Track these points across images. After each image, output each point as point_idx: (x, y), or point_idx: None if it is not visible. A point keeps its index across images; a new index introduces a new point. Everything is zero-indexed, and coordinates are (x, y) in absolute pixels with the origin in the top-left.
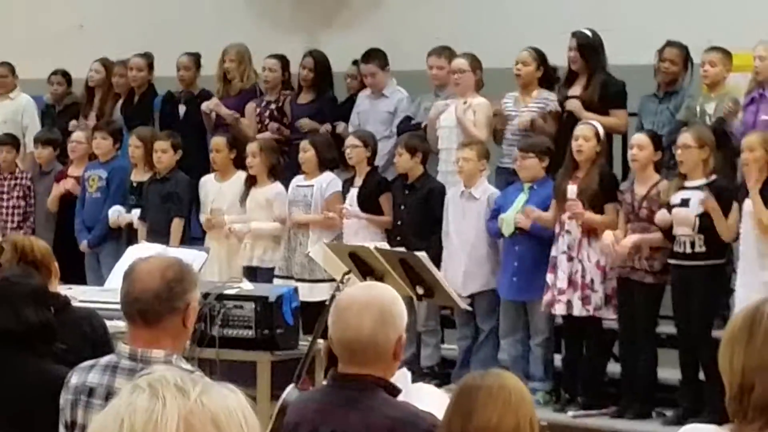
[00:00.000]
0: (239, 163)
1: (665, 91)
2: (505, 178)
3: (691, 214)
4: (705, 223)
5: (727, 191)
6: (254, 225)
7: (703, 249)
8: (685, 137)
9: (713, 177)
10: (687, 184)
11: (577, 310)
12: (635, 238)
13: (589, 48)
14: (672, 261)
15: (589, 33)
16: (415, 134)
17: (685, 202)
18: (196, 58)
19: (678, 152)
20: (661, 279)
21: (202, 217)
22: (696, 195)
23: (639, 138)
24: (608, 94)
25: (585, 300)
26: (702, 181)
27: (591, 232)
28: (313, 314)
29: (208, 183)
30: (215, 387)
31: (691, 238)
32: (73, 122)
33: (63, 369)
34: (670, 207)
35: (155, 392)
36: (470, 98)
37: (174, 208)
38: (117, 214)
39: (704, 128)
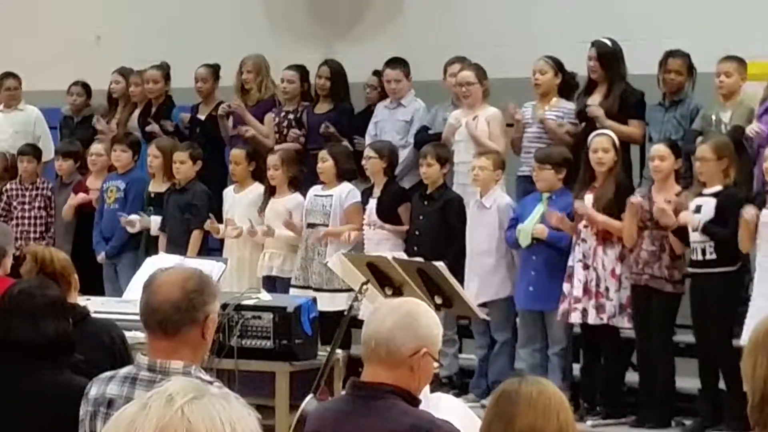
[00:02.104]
0: (258, 174)
1: (671, 100)
2: (524, 187)
3: (696, 219)
4: (710, 228)
5: (735, 199)
6: (278, 232)
7: (714, 256)
8: (703, 149)
9: (725, 186)
10: (705, 191)
11: (592, 319)
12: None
13: (609, 57)
14: (689, 269)
15: (608, 42)
16: (441, 144)
17: (698, 209)
18: (214, 69)
19: (696, 164)
20: (679, 288)
21: (208, 223)
22: (709, 202)
23: (659, 149)
24: (627, 104)
25: (599, 308)
26: (717, 188)
27: (606, 240)
28: (332, 324)
29: (228, 194)
30: (208, 398)
31: (702, 245)
32: (96, 120)
33: (82, 380)
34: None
35: (146, 402)
36: (481, 110)
37: (193, 219)
38: (130, 219)
39: (722, 138)
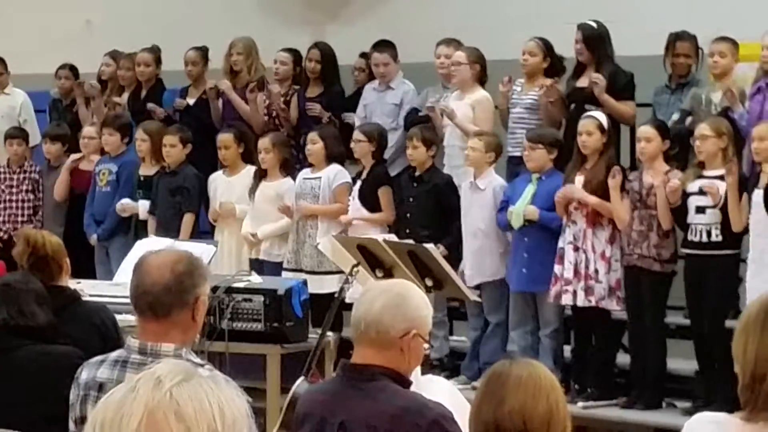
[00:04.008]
0: (247, 157)
1: (677, 82)
2: (512, 168)
3: (720, 187)
4: (723, 212)
5: (745, 181)
6: (260, 233)
7: (720, 238)
8: (702, 128)
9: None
10: (706, 173)
11: (581, 301)
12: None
13: (595, 39)
14: (686, 250)
15: (594, 24)
16: (427, 127)
17: (703, 192)
18: (203, 52)
19: (696, 143)
20: (668, 268)
21: (211, 212)
22: (716, 184)
23: (645, 130)
24: (617, 86)
25: (588, 291)
26: (722, 171)
27: (596, 223)
28: (323, 307)
29: (217, 179)
30: (197, 380)
31: (708, 227)
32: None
33: (67, 348)
34: (686, 195)
35: (134, 385)
36: (470, 92)
37: (184, 202)
38: (122, 206)
39: (720, 118)
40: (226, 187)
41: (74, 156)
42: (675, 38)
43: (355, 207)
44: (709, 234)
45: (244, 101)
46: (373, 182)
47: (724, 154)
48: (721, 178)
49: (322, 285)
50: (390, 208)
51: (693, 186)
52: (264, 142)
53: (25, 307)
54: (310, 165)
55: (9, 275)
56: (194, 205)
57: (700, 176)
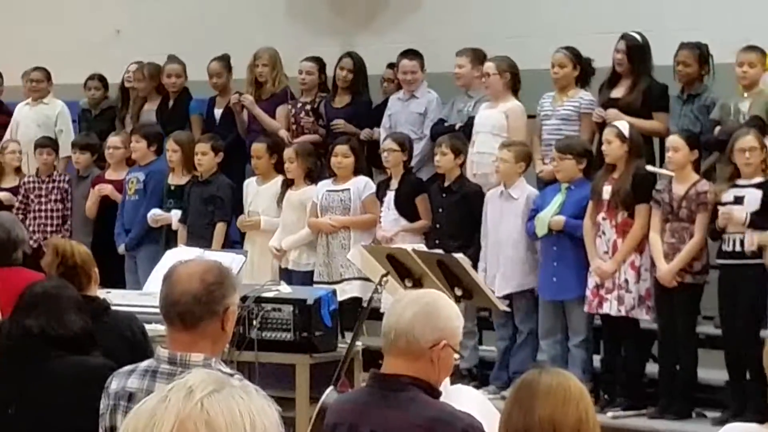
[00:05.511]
0: (280, 167)
1: (688, 93)
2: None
3: (743, 212)
4: (757, 222)
5: None
6: (284, 244)
7: (755, 247)
8: (749, 140)
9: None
10: (740, 182)
11: (614, 311)
12: (675, 266)
13: (638, 51)
14: (720, 260)
15: (638, 36)
16: (457, 135)
17: (738, 200)
18: (226, 61)
19: (746, 155)
20: (700, 279)
21: (240, 219)
22: (751, 192)
23: (673, 140)
24: (651, 98)
25: (619, 300)
26: (759, 179)
27: (625, 233)
28: (343, 311)
29: (249, 186)
30: (228, 390)
31: (742, 236)
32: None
33: (100, 359)
34: (721, 205)
35: (166, 395)
36: (503, 101)
37: (217, 212)
38: (154, 217)
39: (755, 130)
40: (255, 195)
41: (102, 187)
42: (678, 47)
43: (392, 217)
44: (742, 243)
45: (267, 114)
46: (410, 191)
47: (763, 164)
48: (756, 186)
49: (343, 292)
50: (428, 215)
51: (728, 195)
52: (288, 152)
53: (63, 315)
54: (330, 175)
55: (45, 282)
56: (227, 214)
57: (734, 185)
